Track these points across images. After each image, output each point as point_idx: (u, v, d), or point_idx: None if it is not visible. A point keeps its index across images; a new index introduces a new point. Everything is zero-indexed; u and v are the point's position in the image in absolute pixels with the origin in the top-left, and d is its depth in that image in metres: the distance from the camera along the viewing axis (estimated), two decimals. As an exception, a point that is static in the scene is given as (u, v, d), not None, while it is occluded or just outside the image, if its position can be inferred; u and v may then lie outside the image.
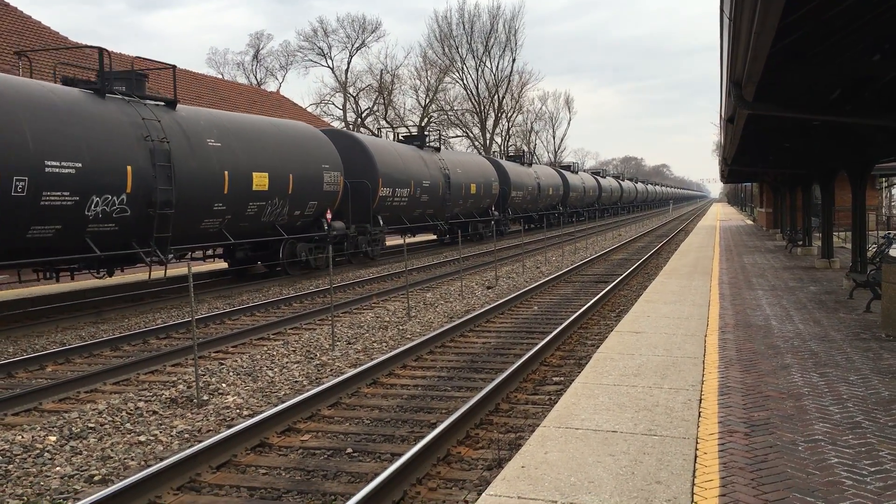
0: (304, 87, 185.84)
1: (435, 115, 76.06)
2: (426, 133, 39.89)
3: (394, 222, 29.57)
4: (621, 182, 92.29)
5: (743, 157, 20.73)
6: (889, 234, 17.50)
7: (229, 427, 7.90)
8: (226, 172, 18.43)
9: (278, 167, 20.55)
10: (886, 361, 8.38)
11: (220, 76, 65.37)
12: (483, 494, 4.89)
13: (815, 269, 18.97)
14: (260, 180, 19.70)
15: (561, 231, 49.53)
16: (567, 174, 61.59)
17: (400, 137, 35.98)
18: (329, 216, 23.59)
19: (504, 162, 46.06)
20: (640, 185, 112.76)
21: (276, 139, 21.09)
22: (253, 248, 22.08)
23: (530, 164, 51.52)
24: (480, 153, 63.92)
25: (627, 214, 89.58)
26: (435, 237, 39.44)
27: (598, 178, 77.77)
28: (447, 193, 33.96)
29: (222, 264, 23.29)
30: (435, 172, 32.83)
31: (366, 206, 26.93)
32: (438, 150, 35.97)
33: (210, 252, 21.57)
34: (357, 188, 25.88)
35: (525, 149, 77.86)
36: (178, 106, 18.43)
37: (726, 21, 6.03)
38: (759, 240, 32.26)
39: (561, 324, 13.17)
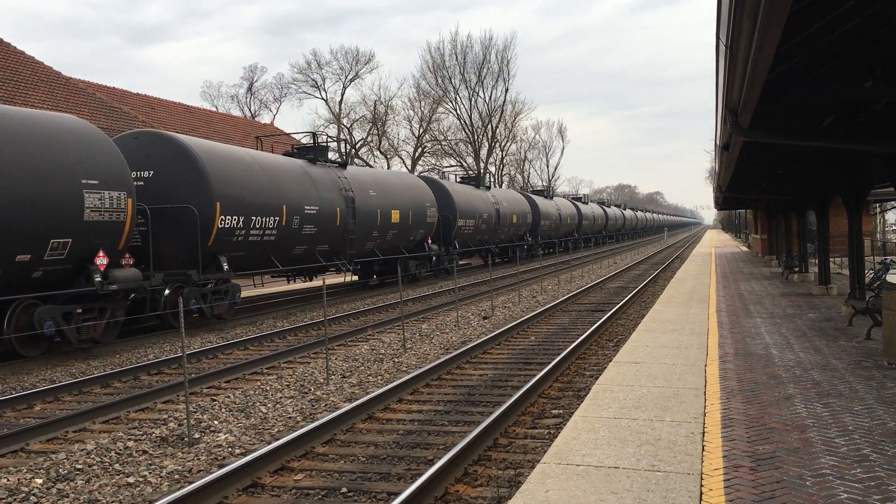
0: (298, 118, 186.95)
1: (429, 145, 76.30)
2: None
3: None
4: (606, 208, 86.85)
5: (737, 184, 20.72)
6: (886, 259, 17.44)
7: (221, 467, 7.70)
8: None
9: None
10: (890, 390, 8.24)
11: (214, 109, 65.60)
12: (482, 537, 4.72)
13: (812, 295, 18.87)
14: (395, 216, 28.12)
15: (527, 266, 41.91)
16: (538, 199, 53.36)
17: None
18: (430, 241, 31.72)
19: (448, 183, 38.36)
20: (629, 213, 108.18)
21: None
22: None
23: (488, 188, 43.70)
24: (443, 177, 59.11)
25: (617, 243, 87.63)
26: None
27: (579, 203, 71.42)
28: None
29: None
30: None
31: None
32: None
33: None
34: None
35: (493, 170, 77.53)
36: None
37: (722, 49, 5.98)
38: (754, 266, 32.20)
39: (559, 354, 13.00)
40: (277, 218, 21.11)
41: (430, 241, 32.84)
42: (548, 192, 63.34)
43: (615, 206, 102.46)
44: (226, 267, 19.14)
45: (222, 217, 18.74)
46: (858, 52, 8.00)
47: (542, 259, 47.99)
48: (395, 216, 28.90)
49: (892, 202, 35.16)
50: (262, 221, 20.48)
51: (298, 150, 26.12)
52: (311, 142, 26.79)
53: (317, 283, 28.53)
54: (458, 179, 43.27)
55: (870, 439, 6.46)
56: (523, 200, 49.77)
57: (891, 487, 5.31)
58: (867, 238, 31.50)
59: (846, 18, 6.25)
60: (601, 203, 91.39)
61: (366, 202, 26.48)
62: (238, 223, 19.43)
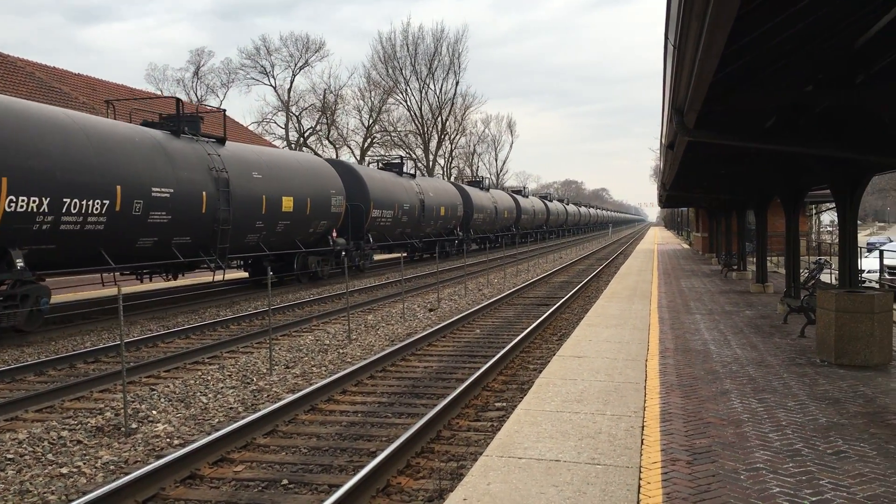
0: (245, 105, 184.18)
1: (378, 135, 75.98)
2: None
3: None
4: (548, 203, 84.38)
5: (681, 183, 21.10)
6: (821, 259, 17.97)
7: (158, 458, 7.55)
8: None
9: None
10: (822, 387, 8.49)
11: (158, 92, 64.16)
12: (423, 530, 4.71)
13: (749, 293, 19.34)
14: (288, 203, 24.04)
15: (457, 263, 37.54)
16: (471, 190, 48.96)
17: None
18: (335, 234, 28.16)
19: (362, 168, 34.15)
20: (572, 208, 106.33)
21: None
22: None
23: (413, 176, 39.19)
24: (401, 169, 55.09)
25: (561, 239, 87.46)
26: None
27: (518, 196, 67.47)
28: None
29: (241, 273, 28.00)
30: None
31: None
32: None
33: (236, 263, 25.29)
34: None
35: (442, 162, 76.97)
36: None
37: (671, 49, 6.06)
38: (695, 264, 32.89)
39: (503, 347, 13.09)
40: (108, 202, 16.47)
41: (335, 235, 28.39)
42: (484, 184, 57.85)
43: (558, 200, 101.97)
44: (20, 264, 14.72)
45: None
46: (801, 56, 8.20)
47: (475, 255, 45.70)
48: (288, 204, 23.99)
49: (828, 204, 36.24)
50: (82, 205, 15.76)
51: (162, 121, 21.19)
52: (177, 109, 21.05)
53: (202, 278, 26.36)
54: (380, 166, 40.01)
55: (802, 434, 6.65)
56: (454, 191, 45.73)
57: (821, 482, 5.47)
58: (803, 238, 32.44)
59: (789, 23, 6.39)
60: (543, 197, 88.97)
61: (246, 186, 21.76)
62: (41, 207, 14.81)
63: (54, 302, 18.15)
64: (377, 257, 38.02)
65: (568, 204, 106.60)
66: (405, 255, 40.38)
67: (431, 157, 79.46)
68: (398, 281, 26.18)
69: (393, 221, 34.31)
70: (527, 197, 75.01)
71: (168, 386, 10.83)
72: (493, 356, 12.12)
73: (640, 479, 5.56)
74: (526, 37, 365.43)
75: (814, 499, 5.15)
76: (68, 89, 33.11)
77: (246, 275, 27.28)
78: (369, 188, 31.39)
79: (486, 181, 61.59)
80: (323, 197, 26.46)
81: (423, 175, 51.03)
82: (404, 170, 39.23)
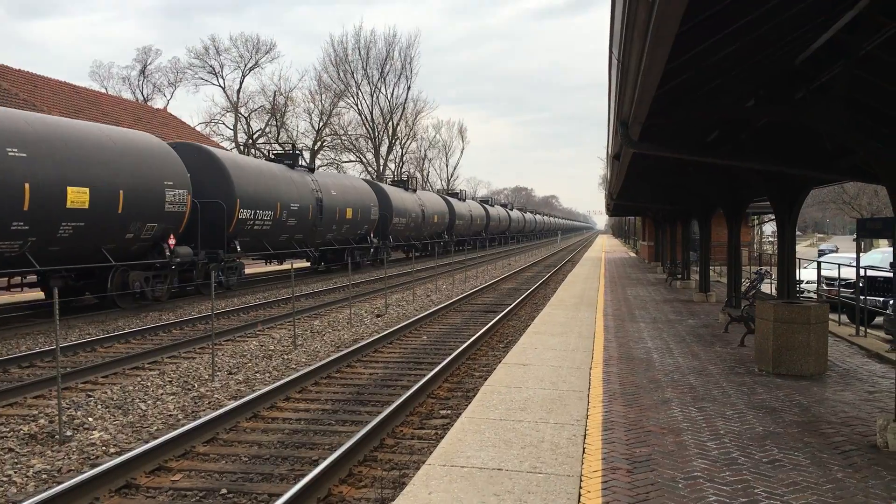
0: (193, 105, 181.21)
1: (329, 139, 75.48)
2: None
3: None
4: (510, 211, 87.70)
5: (628, 192, 21.41)
6: (761, 270, 18.38)
7: (93, 466, 7.34)
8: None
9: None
10: (760, 396, 8.67)
11: (103, 90, 62.76)
12: (363, 541, 4.67)
13: (693, 302, 19.70)
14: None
15: (448, 260, 39.03)
16: (454, 201, 54.38)
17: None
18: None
19: (386, 186, 38.62)
20: (528, 216, 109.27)
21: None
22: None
23: (414, 190, 43.56)
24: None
25: (516, 244, 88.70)
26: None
27: (487, 206, 71.92)
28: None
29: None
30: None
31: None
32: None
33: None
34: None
35: (393, 167, 77.14)
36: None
37: (615, 62, 6.14)
38: (641, 272, 33.38)
39: (449, 354, 13.08)
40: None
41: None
42: (461, 195, 66.09)
43: (517, 209, 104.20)
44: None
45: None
46: (742, 73, 8.38)
47: (456, 255, 49.30)
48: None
49: (769, 215, 37.15)
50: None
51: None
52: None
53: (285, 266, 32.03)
54: (390, 183, 48.04)
55: (739, 443, 6.78)
56: (443, 202, 54.22)
57: (756, 490, 5.58)
58: (745, 249, 33.19)
59: (730, 41, 6.53)
60: (504, 206, 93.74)
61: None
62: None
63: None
64: (255, 270, 34.51)
65: (525, 212, 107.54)
66: (297, 265, 34.61)
67: (382, 161, 79.26)
68: (345, 286, 25.99)
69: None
70: (493, 206, 76.41)
71: (106, 392, 10.56)
72: (440, 363, 12.11)
73: (580, 487, 5.60)
74: (478, 43, 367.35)
75: (748, 507, 5.24)
76: (8, 85, 32.17)
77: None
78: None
79: (413, 181, 60.82)
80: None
81: (371, 178, 53.48)
82: (300, 162, 32.57)
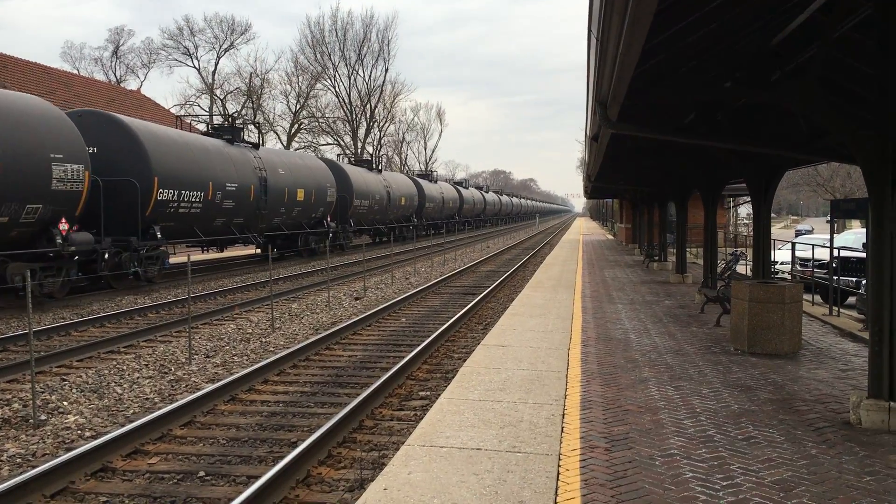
0: (167, 87, 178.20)
1: (306, 121, 74.92)
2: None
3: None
4: (485, 194, 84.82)
5: (606, 174, 21.47)
6: (737, 251, 18.55)
7: (68, 450, 7.28)
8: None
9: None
10: (735, 375, 8.76)
11: (75, 71, 61.78)
12: (342, 521, 4.67)
13: (669, 283, 19.84)
14: (300, 194, 24.00)
15: (417, 245, 37.94)
16: (423, 183, 53.86)
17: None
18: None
19: (346, 166, 37.86)
20: (505, 198, 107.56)
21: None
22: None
23: (380, 171, 42.89)
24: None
25: (493, 227, 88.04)
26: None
27: (461, 188, 69.78)
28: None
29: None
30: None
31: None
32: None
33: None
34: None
35: (371, 150, 76.54)
36: None
37: (594, 41, 6.12)
38: (619, 254, 33.57)
39: (428, 336, 13.09)
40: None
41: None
42: (432, 177, 63.94)
43: (493, 191, 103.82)
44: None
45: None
46: (718, 53, 8.41)
47: (428, 239, 48.12)
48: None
49: (745, 197, 37.46)
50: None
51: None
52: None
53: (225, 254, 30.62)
54: (352, 162, 45.43)
55: (715, 421, 6.85)
56: (410, 183, 52.02)
57: (732, 467, 5.64)
58: (721, 230, 33.47)
59: (706, 21, 6.54)
60: (479, 188, 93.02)
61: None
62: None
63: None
64: (207, 257, 32.36)
65: (501, 195, 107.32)
66: (369, 240, 44.79)
67: (360, 144, 78.85)
68: (323, 269, 25.89)
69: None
70: (467, 188, 75.77)
71: (80, 376, 10.46)
72: (419, 345, 12.11)
73: (559, 466, 5.63)
74: (456, 26, 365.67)
75: (724, 483, 5.30)
76: (-23, 66, 31.56)
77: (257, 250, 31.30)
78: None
79: (433, 175, 61.13)
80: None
81: (348, 161, 53.14)
82: (375, 166, 43.71)
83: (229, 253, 33.95)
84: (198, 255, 31.82)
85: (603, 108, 7.65)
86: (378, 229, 43.89)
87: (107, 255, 19.22)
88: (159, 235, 21.26)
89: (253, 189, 26.58)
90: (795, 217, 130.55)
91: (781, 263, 21.36)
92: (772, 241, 13.35)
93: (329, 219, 33.68)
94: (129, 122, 21.18)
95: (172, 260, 25.63)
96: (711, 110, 10.71)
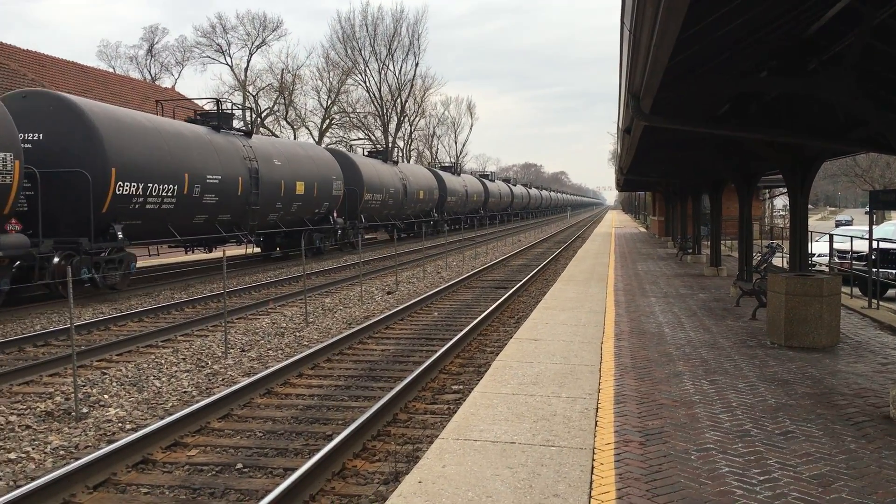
0: (201, 84, 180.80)
1: (337, 117, 75.27)
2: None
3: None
4: (512, 187, 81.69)
5: (638, 167, 21.31)
6: (773, 243, 18.31)
7: (110, 442, 7.44)
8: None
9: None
10: (772, 369, 8.67)
11: (111, 70, 62.69)
12: (378, 513, 4.71)
13: (704, 276, 19.65)
14: (300, 187, 27.21)
15: (432, 242, 35.12)
16: (445, 175, 51.37)
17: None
18: (335, 214, 29.40)
19: (356, 156, 36.67)
20: (534, 191, 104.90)
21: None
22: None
23: (396, 162, 41.76)
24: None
25: (522, 221, 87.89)
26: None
27: (486, 181, 68.35)
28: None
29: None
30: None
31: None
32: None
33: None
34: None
35: (402, 144, 76.69)
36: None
37: (626, 34, 6.09)
38: (651, 247, 33.30)
39: (461, 330, 13.12)
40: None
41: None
42: (455, 169, 60.95)
43: (521, 184, 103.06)
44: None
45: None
46: (754, 43, 8.30)
47: (448, 235, 43.17)
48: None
49: (781, 189, 36.94)
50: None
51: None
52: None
53: (217, 254, 27.02)
54: (366, 153, 43.08)
55: (751, 415, 6.79)
56: (430, 176, 49.24)
57: (769, 461, 5.59)
58: (756, 222, 33.04)
59: (742, 10, 6.46)
60: (507, 181, 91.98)
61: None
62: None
63: None
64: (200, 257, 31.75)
65: (530, 188, 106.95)
66: (387, 236, 42.98)
67: (391, 139, 79.04)
68: (356, 264, 26.04)
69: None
70: (493, 181, 75.97)
71: (120, 370, 10.65)
72: (451, 339, 12.14)
73: (593, 460, 5.63)
74: (486, 18, 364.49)
75: (762, 478, 5.26)
76: (17, 66, 32.18)
77: (257, 250, 30.24)
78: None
79: (458, 167, 61.87)
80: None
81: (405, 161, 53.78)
82: (390, 157, 42.23)
83: (218, 254, 27.01)
84: (177, 258, 28.89)
85: (636, 101, 7.60)
86: (394, 225, 40.60)
87: (56, 260, 16.52)
88: (121, 236, 18.40)
89: (241, 182, 23.54)
90: (833, 208, 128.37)
91: (819, 255, 21.06)
92: (809, 233, 13.16)
93: (335, 214, 30.60)
94: (82, 103, 18.31)
95: (158, 262, 25.91)
96: (745, 101, 10.58)
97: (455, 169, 61.23)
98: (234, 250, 30.59)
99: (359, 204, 34.19)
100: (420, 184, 45.36)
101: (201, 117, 24.70)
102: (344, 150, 42.74)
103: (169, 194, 20.02)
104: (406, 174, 42.67)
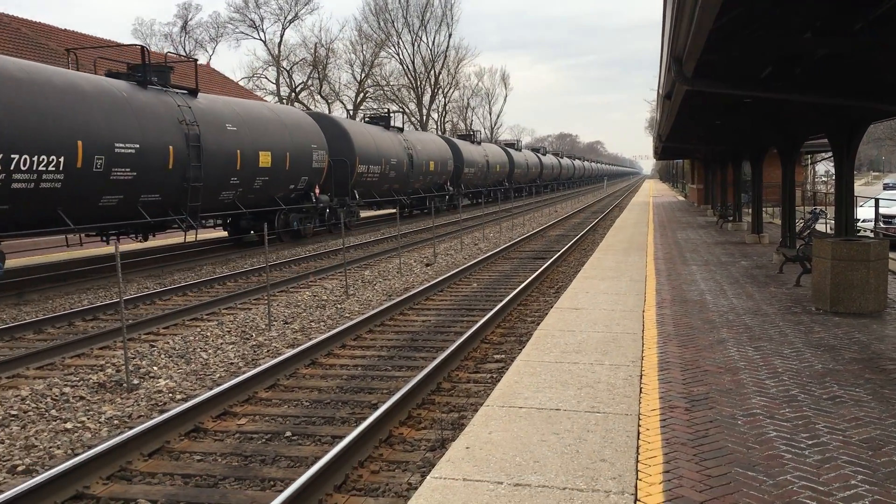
0: (235, 60, 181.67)
1: (371, 90, 75.26)
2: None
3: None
4: (541, 156, 77.50)
5: (678, 134, 21.02)
6: (816, 209, 18.01)
7: (162, 412, 7.63)
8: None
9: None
10: (818, 334, 8.58)
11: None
12: (428, 477, 4.79)
13: (745, 244, 19.40)
14: (264, 158, 22.54)
15: (445, 219, 33.37)
16: (462, 144, 47.43)
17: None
18: (317, 190, 25.79)
19: (346, 121, 32.07)
20: (566, 161, 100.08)
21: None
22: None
23: (400, 129, 38.00)
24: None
25: (554, 193, 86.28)
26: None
27: (511, 150, 63.70)
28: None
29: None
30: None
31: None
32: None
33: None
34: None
35: (436, 116, 76.09)
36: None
37: (670, -5, 6.00)
38: (690, 216, 32.92)
39: (501, 301, 13.15)
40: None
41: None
42: (474, 138, 56.09)
43: (553, 154, 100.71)
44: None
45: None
46: (796, 4, 8.10)
47: (467, 211, 43.18)
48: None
49: (823, 153, 36.19)
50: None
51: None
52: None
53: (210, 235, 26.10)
54: (366, 119, 38.92)
55: (798, 381, 6.74)
56: (444, 145, 43.88)
57: (818, 426, 5.56)
58: (798, 188, 32.44)
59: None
60: (536, 150, 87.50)
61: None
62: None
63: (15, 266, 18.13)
64: (365, 214, 37.05)
65: (562, 157, 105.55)
66: (394, 210, 36.37)
67: (425, 111, 78.84)
68: (394, 237, 26.16)
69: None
70: (519, 150, 73.63)
71: (168, 342, 10.89)
72: (491, 309, 12.18)
73: (639, 425, 5.64)
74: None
75: (810, 442, 5.24)
76: (55, 45, 32.63)
77: (224, 234, 25.91)
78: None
79: (479, 135, 61.50)
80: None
81: (414, 129, 53.38)
82: (391, 123, 36.74)
83: (161, 241, 24.89)
84: (98, 249, 22.57)
85: (678, 65, 7.49)
86: (479, 191, 44.33)
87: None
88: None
89: (173, 152, 18.60)
90: (877, 173, 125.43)
91: (864, 221, 20.65)
92: (855, 198, 12.91)
93: (317, 191, 26.33)
94: (338, 118, 22.32)
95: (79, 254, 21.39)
96: (789, 64, 10.35)
97: (475, 138, 56.15)
98: (209, 233, 26.91)
99: (350, 178, 29.12)
100: (430, 154, 39.89)
101: (131, 71, 19.54)
102: (331, 114, 39.32)
103: (51, 169, 15.18)
104: (412, 143, 37.70)
